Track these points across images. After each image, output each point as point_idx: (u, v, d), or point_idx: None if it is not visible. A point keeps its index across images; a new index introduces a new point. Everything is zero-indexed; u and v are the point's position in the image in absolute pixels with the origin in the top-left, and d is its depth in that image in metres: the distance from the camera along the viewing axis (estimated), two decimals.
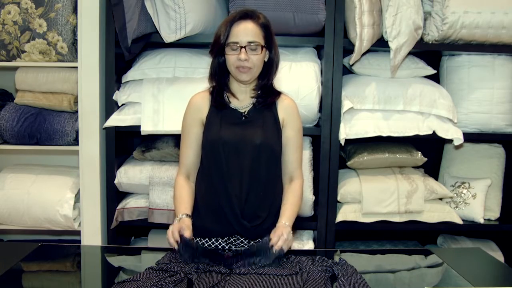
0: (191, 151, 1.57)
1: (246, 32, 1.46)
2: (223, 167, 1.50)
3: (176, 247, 1.37)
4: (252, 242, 1.49)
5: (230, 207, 1.49)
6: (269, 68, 1.55)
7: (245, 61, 1.45)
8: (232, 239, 1.53)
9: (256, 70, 1.51)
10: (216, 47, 1.50)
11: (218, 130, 1.51)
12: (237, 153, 1.50)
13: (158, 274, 1.24)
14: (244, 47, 1.45)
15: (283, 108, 1.57)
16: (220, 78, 1.56)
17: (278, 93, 1.60)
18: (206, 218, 1.54)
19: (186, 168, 1.58)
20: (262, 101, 1.55)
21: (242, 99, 1.57)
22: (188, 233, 1.38)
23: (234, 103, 1.57)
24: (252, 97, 1.57)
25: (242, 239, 1.52)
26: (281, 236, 1.38)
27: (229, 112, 1.55)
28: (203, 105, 1.57)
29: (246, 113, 1.55)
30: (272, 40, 1.52)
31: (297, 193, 1.56)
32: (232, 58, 1.47)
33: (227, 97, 1.57)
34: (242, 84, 1.55)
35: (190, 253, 1.35)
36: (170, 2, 2.00)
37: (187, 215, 1.49)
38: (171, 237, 1.38)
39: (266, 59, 1.54)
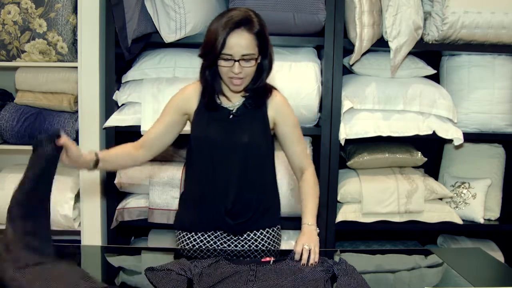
0: (157, 131, 1.54)
1: (240, 44, 1.39)
2: (209, 164, 1.50)
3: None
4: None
5: (215, 204, 1.50)
6: (262, 72, 1.50)
7: (239, 73, 1.42)
8: (217, 233, 1.55)
9: (249, 78, 1.47)
10: (210, 56, 1.43)
11: (205, 128, 1.50)
12: (224, 151, 1.49)
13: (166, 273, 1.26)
14: (238, 60, 1.40)
15: (273, 107, 1.54)
16: (212, 80, 1.51)
17: (270, 90, 1.55)
18: (192, 212, 1.56)
19: (143, 142, 1.54)
20: (252, 102, 1.52)
21: (232, 97, 1.54)
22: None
23: (224, 102, 1.54)
24: (243, 96, 1.53)
25: (225, 235, 1.55)
26: (309, 250, 1.35)
27: (218, 109, 1.53)
28: (194, 99, 1.54)
29: (235, 111, 1.52)
30: (266, 46, 1.46)
31: (311, 183, 1.56)
32: (225, 70, 1.43)
33: (218, 97, 1.53)
34: None
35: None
36: (170, 2, 2.00)
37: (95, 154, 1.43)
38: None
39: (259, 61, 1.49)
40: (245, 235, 1.55)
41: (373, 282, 1.30)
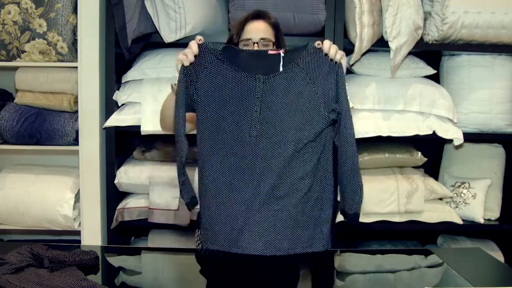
0: None
1: (258, 30, 1.51)
2: None
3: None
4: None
5: None
6: None
7: None
8: None
9: None
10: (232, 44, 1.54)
11: None
12: None
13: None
14: (257, 43, 1.49)
15: None
16: None
17: None
18: None
19: None
20: None
21: None
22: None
23: None
24: None
25: None
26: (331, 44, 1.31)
27: None
28: None
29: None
30: (281, 39, 1.57)
31: None
32: None
33: None
34: None
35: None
36: (170, 2, 2.00)
37: None
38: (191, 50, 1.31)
39: None
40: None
41: (373, 282, 1.30)
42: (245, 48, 1.49)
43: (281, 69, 1.30)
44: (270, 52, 1.32)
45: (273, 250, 1.27)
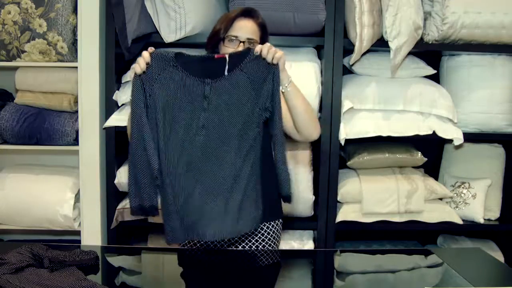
0: None
1: (247, 29, 1.54)
2: None
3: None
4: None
5: None
6: None
7: None
8: None
9: None
10: (215, 39, 1.56)
11: None
12: None
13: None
14: (243, 42, 1.52)
15: None
16: None
17: None
18: None
19: None
20: None
21: None
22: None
23: None
24: None
25: None
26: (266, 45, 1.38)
27: None
28: None
29: None
30: (266, 41, 1.59)
31: None
32: (229, 50, 1.52)
33: None
34: None
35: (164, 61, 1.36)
36: (170, 2, 2.00)
37: None
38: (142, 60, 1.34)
39: None
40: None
41: (373, 282, 1.30)
42: (230, 44, 1.53)
43: (226, 73, 1.37)
44: (217, 56, 1.39)
45: (224, 234, 1.38)
